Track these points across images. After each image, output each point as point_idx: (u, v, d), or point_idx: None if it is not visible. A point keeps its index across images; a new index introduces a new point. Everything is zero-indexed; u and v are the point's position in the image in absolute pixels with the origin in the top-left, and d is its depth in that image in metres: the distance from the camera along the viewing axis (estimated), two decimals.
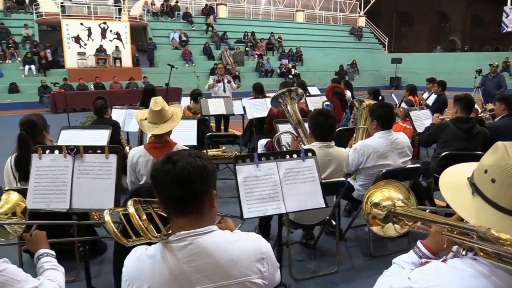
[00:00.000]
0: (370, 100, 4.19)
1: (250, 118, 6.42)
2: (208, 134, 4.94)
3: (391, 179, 3.35)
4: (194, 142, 3.90)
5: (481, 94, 10.11)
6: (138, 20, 20.61)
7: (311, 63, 22.94)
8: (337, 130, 5.21)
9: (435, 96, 7.57)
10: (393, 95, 8.11)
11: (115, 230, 1.22)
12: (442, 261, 1.24)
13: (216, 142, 5.00)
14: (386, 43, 28.41)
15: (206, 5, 23.39)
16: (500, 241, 1.03)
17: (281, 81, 19.61)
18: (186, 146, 4.52)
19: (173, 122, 2.97)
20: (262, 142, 5.07)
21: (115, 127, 4.91)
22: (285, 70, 20.95)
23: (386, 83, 23.31)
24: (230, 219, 1.96)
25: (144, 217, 1.30)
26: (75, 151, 2.33)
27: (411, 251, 1.47)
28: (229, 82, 8.50)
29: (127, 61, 19.29)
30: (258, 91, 7.03)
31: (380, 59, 25.74)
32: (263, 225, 3.80)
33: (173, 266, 1.28)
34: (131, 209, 1.25)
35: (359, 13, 28.97)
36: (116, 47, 18.74)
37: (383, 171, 3.29)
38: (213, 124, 8.74)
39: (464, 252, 1.23)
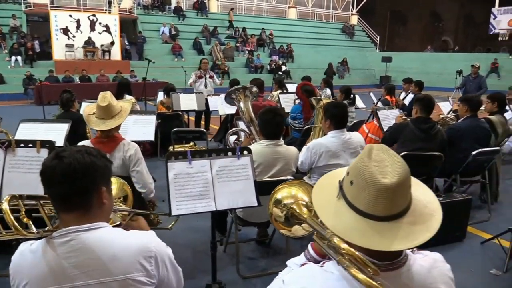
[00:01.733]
0: (327, 99, 4.19)
1: (221, 114, 6.40)
2: (174, 130, 4.93)
3: None
4: (152, 138, 3.89)
5: (461, 95, 10.14)
6: (128, 13, 20.47)
7: (302, 60, 22.92)
8: (305, 128, 5.28)
9: (412, 95, 7.58)
10: (371, 94, 8.12)
11: None
12: (322, 263, 1.24)
13: (183, 137, 4.98)
14: (378, 42, 28.43)
15: None
16: (339, 249, 1.04)
17: (270, 77, 19.65)
18: (144, 141, 4.53)
19: (120, 117, 2.95)
20: (232, 139, 5.07)
21: (80, 121, 4.87)
22: (275, 67, 20.90)
23: (376, 82, 23.35)
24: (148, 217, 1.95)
25: (23, 212, 1.29)
26: (7, 145, 2.31)
27: (303, 253, 1.47)
28: (211, 77, 8.41)
29: (116, 54, 19.17)
30: None
31: (371, 58, 25.79)
32: (218, 222, 3.81)
33: (52, 261, 1.27)
34: (4, 205, 1.24)
35: (351, 11, 28.95)
36: (112, 42, 18.63)
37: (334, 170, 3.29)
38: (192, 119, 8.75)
39: None
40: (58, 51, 18.04)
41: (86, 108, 3.04)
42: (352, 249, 1.05)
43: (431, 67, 23.24)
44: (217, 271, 3.28)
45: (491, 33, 23.76)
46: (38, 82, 14.25)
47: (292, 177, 3.04)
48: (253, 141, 3.38)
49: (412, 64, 23.64)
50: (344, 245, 1.05)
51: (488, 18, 23.91)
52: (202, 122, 8.47)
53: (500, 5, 23.40)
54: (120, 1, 20.81)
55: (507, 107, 5.35)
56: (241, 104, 3.43)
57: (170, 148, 5.16)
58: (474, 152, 4.08)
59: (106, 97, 2.94)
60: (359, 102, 7.28)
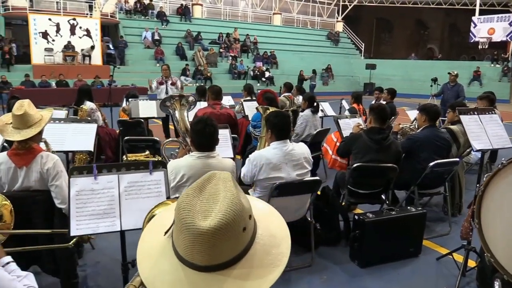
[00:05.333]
0: (274, 108, 4.02)
1: None
2: (126, 138, 4.72)
3: (285, 192, 3.20)
4: (91, 148, 3.67)
5: (439, 102, 10.04)
6: (109, 17, 20.22)
7: (286, 67, 22.84)
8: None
9: (384, 103, 7.44)
10: (344, 101, 7.99)
11: None
12: None
13: (134, 146, 4.77)
14: (363, 49, 28.51)
15: (182, 4, 23.12)
16: None
17: (254, 83, 19.51)
18: (82, 151, 4.30)
19: (38, 127, 2.74)
20: None
21: None
22: (258, 73, 20.79)
23: (360, 89, 23.36)
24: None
25: None
26: None
27: None
28: (173, 84, 8.20)
29: (97, 59, 18.90)
30: (201, 94, 6.83)
31: (356, 65, 25.83)
32: None
33: None
34: None
35: (337, 18, 29.03)
36: (92, 46, 18.35)
37: (276, 183, 3.12)
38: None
39: None
40: (37, 55, 17.74)
41: (3, 117, 2.82)
42: None
43: (415, 74, 23.37)
44: None
45: (472, 41, 24.00)
46: (14, 87, 14.01)
47: None
48: (189, 152, 3.18)
49: (396, 71, 23.75)
50: None
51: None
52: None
53: (480, 14, 23.66)
54: (102, 5, 20.56)
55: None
56: (176, 113, 3.24)
57: (124, 158, 4.95)
58: (431, 164, 3.93)
59: (22, 105, 2.72)
60: (328, 110, 7.13)
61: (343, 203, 4.10)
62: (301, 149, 3.25)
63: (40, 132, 2.80)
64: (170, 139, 3.47)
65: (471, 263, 3.46)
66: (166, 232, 0.94)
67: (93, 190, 2.09)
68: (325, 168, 6.08)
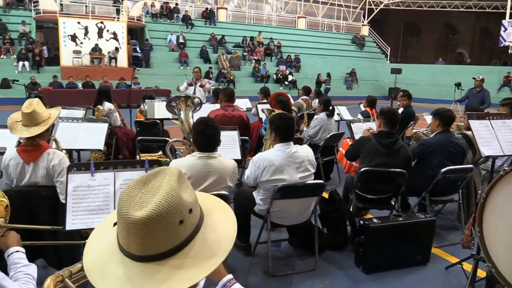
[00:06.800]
0: (280, 110, 4.01)
1: None
2: (138, 138, 4.81)
3: (288, 194, 3.19)
4: (101, 146, 3.76)
5: (461, 107, 9.77)
6: (136, 21, 20.68)
7: (310, 70, 22.73)
8: None
9: (402, 108, 7.30)
10: (361, 105, 7.88)
11: None
12: None
13: (148, 147, 4.85)
14: (388, 53, 28.07)
15: (207, 8, 23.40)
16: None
17: (277, 87, 19.55)
18: (92, 150, 4.40)
19: (45, 125, 2.84)
20: None
21: None
22: (281, 76, 20.80)
23: (386, 93, 23.01)
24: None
25: None
26: None
27: None
28: (201, 86, 8.32)
29: (123, 61, 19.33)
30: (217, 97, 6.89)
31: (381, 69, 25.47)
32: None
33: None
34: None
35: (362, 22, 28.71)
36: (117, 48, 18.80)
37: (279, 185, 3.11)
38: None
39: None
40: (66, 57, 18.30)
41: (13, 115, 2.93)
42: None
43: (441, 79, 22.85)
44: None
45: (501, 45, 23.27)
46: (42, 88, 14.50)
47: (225, 192, 2.87)
48: (193, 152, 3.21)
49: (422, 76, 23.29)
50: None
51: None
52: None
53: (510, 17, 22.89)
54: (129, 9, 21.05)
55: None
56: (182, 113, 3.28)
57: (138, 157, 5.04)
58: (443, 170, 3.83)
59: (32, 104, 2.84)
60: (345, 114, 7.06)
61: (351, 208, 4.04)
62: (305, 152, 3.23)
63: (48, 130, 2.89)
64: (175, 139, 3.51)
65: (481, 273, 3.34)
66: (115, 223, 0.96)
67: (89, 186, 2.15)
68: (339, 173, 6.01)
